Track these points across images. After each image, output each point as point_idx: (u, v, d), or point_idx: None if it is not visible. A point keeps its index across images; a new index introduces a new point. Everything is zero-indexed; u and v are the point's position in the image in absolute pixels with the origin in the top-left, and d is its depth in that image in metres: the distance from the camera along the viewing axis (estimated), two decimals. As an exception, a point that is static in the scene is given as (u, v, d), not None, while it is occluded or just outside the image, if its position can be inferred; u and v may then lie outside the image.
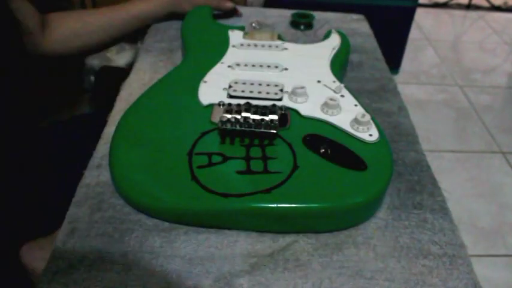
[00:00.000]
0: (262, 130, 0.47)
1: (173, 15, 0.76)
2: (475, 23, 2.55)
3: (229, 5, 0.75)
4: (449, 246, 0.42)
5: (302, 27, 0.78)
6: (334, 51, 0.63)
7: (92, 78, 1.35)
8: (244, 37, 0.66)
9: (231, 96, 0.53)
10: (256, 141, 0.47)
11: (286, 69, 0.59)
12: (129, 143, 0.47)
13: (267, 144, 0.47)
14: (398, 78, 1.96)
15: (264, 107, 0.50)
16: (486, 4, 2.68)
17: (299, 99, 0.52)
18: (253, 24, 0.69)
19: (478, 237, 1.28)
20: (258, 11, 0.86)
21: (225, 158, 0.45)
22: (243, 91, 0.54)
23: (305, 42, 0.71)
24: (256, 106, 0.50)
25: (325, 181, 0.43)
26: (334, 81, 0.56)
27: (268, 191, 0.42)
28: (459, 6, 2.68)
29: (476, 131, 1.69)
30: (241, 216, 0.42)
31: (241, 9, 0.84)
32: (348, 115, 0.50)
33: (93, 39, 0.72)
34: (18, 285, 0.53)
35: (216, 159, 0.45)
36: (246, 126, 0.47)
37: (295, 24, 0.79)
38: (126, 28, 0.74)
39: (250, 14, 0.83)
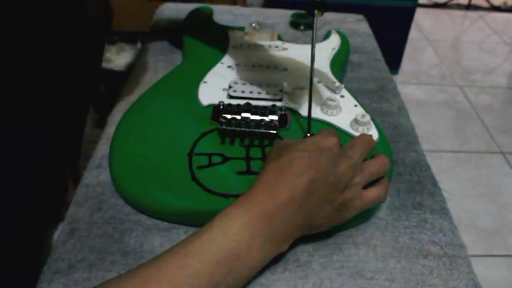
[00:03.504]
0: (262, 130, 0.47)
1: None
2: (475, 23, 2.55)
3: None
4: (449, 246, 0.42)
5: (302, 27, 0.78)
6: (334, 52, 0.63)
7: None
8: (244, 37, 0.66)
9: (231, 97, 0.53)
10: (256, 142, 0.47)
11: (285, 69, 0.59)
12: (129, 143, 0.47)
13: (267, 144, 0.47)
14: (398, 78, 1.96)
15: (264, 107, 0.50)
16: (486, 4, 2.68)
17: (299, 100, 0.52)
18: (253, 25, 0.69)
19: (478, 237, 1.28)
20: (258, 11, 0.86)
21: (225, 159, 0.45)
22: (243, 91, 0.54)
23: (305, 42, 0.71)
24: (256, 106, 0.50)
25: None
26: (334, 82, 0.56)
27: (268, 191, 0.41)
28: (459, 7, 2.68)
29: (476, 131, 1.69)
30: (241, 216, 0.41)
31: (241, 9, 0.84)
32: (348, 115, 0.50)
33: None
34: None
35: (216, 159, 0.45)
36: (246, 126, 0.47)
37: (295, 24, 0.79)
38: None
39: (250, 14, 0.83)
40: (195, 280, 0.33)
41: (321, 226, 0.40)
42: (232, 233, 0.35)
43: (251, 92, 0.54)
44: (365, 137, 0.43)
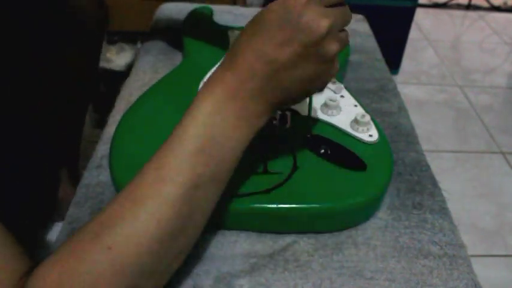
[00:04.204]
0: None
1: None
2: (475, 23, 2.55)
3: None
4: (449, 246, 0.42)
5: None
6: (334, 52, 0.63)
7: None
8: (244, 37, 0.66)
9: (231, 97, 0.53)
10: (255, 142, 0.47)
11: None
12: (129, 143, 0.47)
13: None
14: (398, 78, 1.96)
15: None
16: (486, 4, 2.68)
17: (299, 100, 0.52)
18: (253, 25, 0.69)
19: (478, 237, 1.28)
20: (258, 11, 0.86)
21: (225, 158, 0.45)
22: (243, 91, 0.53)
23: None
24: (256, 106, 0.50)
25: (325, 181, 0.43)
26: (333, 82, 0.56)
27: (268, 191, 0.42)
28: (459, 7, 2.68)
29: (476, 131, 1.69)
30: (241, 216, 0.42)
31: (241, 9, 0.84)
32: (348, 115, 0.50)
33: None
34: None
35: (216, 159, 0.45)
36: (246, 126, 0.47)
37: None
38: None
39: (250, 14, 0.83)
40: (176, 176, 0.32)
41: (301, 94, 0.37)
42: (202, 120, 0.34)
43: (251, 92, 0.53)
44: None
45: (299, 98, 0.38)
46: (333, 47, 0.35)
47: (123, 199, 0.33)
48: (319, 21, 0.34)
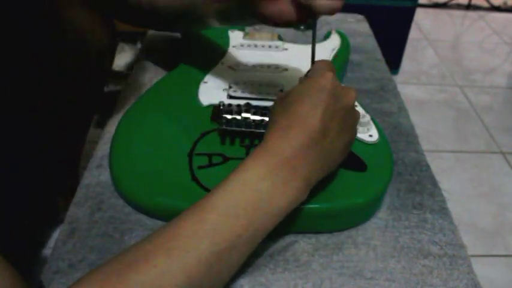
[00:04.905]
0: (262, 131, 0.47)
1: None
2: (475, 23, 2.55)
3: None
4: (449, 246, 0.42)
5: (302, 27, 0.78)
6: (334, 52, 0.63)
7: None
8: (244, 37, 0.66)
9: (231, 97, 0.53)
10: (256, 142, 0.47)
11: (286, 69, 0.59)
12: (129, 143, 0.47)
13: (267, 144, 0.47)
14: (398, 78, 1.96)
15: (265, 107, 0.50)
16: (486, 4, 2.68)
17: (299, 100, 0.52)
18: (253, 25, 0.69)
19: (478, 237, 1.28)
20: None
21: (226, 159, 0.45)
22: (243, 92, 0.54)
23: (305, 42, 0.71)
24: (257, 107, 0.50)
25: (325, 182, 0.43)
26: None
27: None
28: (459, 7, 2.68)
29: (476, 131, 1.69)
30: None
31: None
32: (348, 115, 0.50)
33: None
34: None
35: (217, 159, 0.45)
36: (247, 127, 0.47)
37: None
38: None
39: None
40: (214, 234, 0.33)
41: (336, 161, 0.40)
42: (251, 183, 0.35)
43: (251, 92, 0.54)
44: (326, 63, 0.43)
45: (343, 157, 0.41)
46: (355, 108, 0.41)
47: (157, 246, 0.32)
48: (350, 90, 0.40)
